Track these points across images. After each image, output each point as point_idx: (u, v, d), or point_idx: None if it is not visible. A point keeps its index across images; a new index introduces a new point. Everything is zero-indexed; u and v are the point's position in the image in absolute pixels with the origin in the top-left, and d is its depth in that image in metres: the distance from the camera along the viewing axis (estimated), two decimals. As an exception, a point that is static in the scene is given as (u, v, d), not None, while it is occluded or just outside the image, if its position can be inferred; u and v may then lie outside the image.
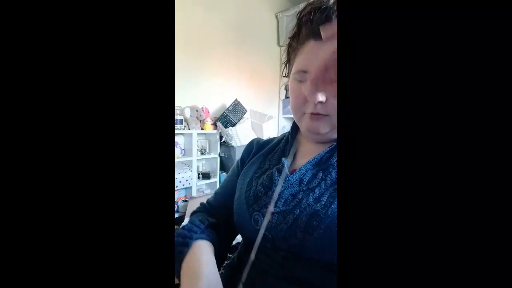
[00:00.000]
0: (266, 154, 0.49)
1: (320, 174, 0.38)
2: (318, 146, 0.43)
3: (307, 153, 0.44)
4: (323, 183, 0.37)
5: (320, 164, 0.40)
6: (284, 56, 0.46)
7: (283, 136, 0.52)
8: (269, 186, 0.40)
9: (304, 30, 0.38)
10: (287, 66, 0.46)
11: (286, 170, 0.40)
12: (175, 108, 1.73)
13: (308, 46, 0.37)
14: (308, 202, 0.35)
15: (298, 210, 0.35)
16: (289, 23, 2.46)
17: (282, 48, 2.63)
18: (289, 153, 0.45)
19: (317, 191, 0.36)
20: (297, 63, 0.39)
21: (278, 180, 0.40)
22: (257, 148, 0.53)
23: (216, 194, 0.54)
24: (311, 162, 0.40)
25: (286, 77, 0.46)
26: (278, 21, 2.60)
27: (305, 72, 0.37)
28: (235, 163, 0.56)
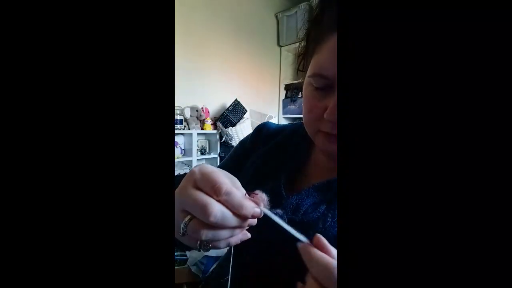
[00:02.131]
0: (272, 152, 0.41)
1: (323, 208, 0.31)
2: (334, 161, 0.35)
3: (317, 166, 0.38)
4: (320, 221, 0.30)
5: (326, 190, 0.33)
6: (301, 47, 0.36)
7: (297, 128, 0.43)
8: None
9: (327, 16, 0.29)
10: (304, 59, 0.36)
11: (282, 191, 0.34)
12: (175, 108, 1.73)
13: (331, 42, 0.27)
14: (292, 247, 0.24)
15: (281, 255, 0.29)
16: (289, 23, 2.46)
17: (282, 48, 2.62)
18: (293, 164, 0.37)
19: (310, 230, 0.29)
20: (316, 64, 0.30)
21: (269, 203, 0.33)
22: (265, 139, 0.45)
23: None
24: (316, 187, 0.33)
25: (302, 71, 0.37)
26: (278, 21, 2.59)
27: (324, 77, 0.28)
28: (238, 145, 0.49)
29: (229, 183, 0.22)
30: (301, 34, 0.36)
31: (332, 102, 0.28)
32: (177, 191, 0.23)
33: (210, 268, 1.03)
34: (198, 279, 1.06)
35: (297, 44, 0.37)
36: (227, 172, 0.24)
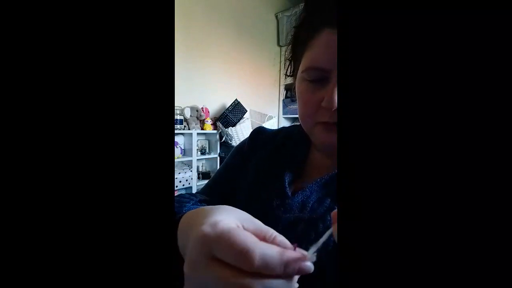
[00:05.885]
0: (272, 155, 0.41)
1: (328, 201, 0.31)
2: (332, 157, 0.35)
3: (317, 165, 0.38)
4: (328, 214, 0.30)
5: (329, 185, 0.33)
6: (288, 51, 0.38)
7: (292, 130, 0.43)
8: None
9: (315, 17, 0.31)
10: (291, 63, 0.38)
11: (287, 191, 0.34)
12: (175, 108, 1.73)
13: (322, 38, 0.29)
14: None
15: None
16: (289, 23, 2.46)
17: (282, 48, 2.62)
18: (294, 164, 0.38)
19: (320, 224, 0.29)
20: (308, 59, 0.31)
21: (276, 204, 0.33)
22: (264, 143, 0.44)
23: (210, 186, 0.45)
24: (319, 183, 0.33)
25: (290, 76, 0.39)
26: (278, 21, 2.60)
27: (318, 69, 0.30)
28: (235, 150, 0.48)
29: (256, 239, 0.16)
30: (288, 39, 0.37)
31: (328, 91, 0.29)
32: (187, 265, 0.17)
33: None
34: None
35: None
36: (246, 215, 0.19)
